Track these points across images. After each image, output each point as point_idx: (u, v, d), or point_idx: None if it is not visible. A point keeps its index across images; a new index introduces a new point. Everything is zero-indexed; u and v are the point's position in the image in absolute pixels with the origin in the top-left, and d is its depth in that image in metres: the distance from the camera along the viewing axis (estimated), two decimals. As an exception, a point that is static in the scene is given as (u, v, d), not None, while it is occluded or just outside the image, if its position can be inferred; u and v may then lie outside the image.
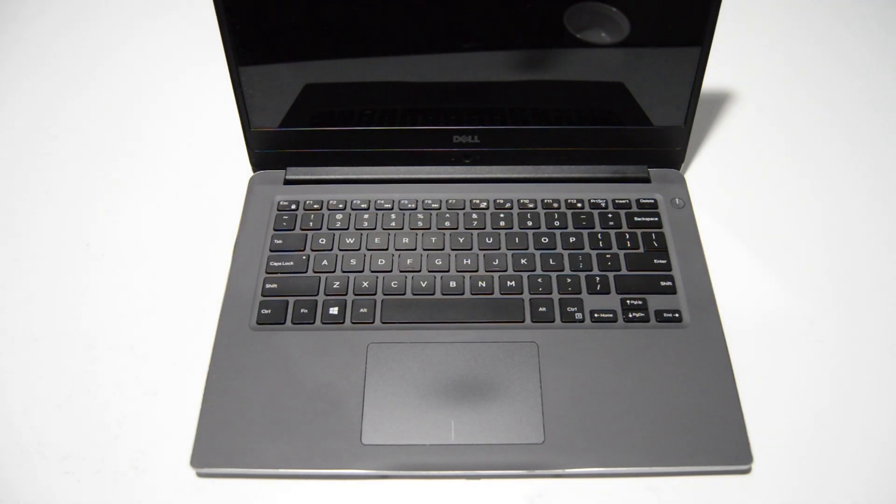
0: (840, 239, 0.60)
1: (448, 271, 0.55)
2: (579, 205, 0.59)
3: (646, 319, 0.52)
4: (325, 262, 0.55)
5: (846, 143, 0.68)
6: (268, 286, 0.54)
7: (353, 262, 0.55)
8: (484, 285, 0.54)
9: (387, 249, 0.56)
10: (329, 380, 0.49)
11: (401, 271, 0.55)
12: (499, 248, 0.56)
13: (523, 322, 0.52)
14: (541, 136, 0.60)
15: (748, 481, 0.47)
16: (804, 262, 0.58)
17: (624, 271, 0.55)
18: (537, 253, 0.56)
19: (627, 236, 0.57)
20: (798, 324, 0.54)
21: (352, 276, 0.55)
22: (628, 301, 0.53)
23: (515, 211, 0.59)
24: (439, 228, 0.58)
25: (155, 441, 0.48)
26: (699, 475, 0.47)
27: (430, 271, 0.55)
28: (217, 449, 0.46)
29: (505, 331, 0.52)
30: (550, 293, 0.54)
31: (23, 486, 0.46)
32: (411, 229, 0.58)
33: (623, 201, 0.59)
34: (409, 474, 0.46)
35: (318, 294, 0.54)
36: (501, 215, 0.58)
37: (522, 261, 0.55)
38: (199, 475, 0.47)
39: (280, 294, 0.54)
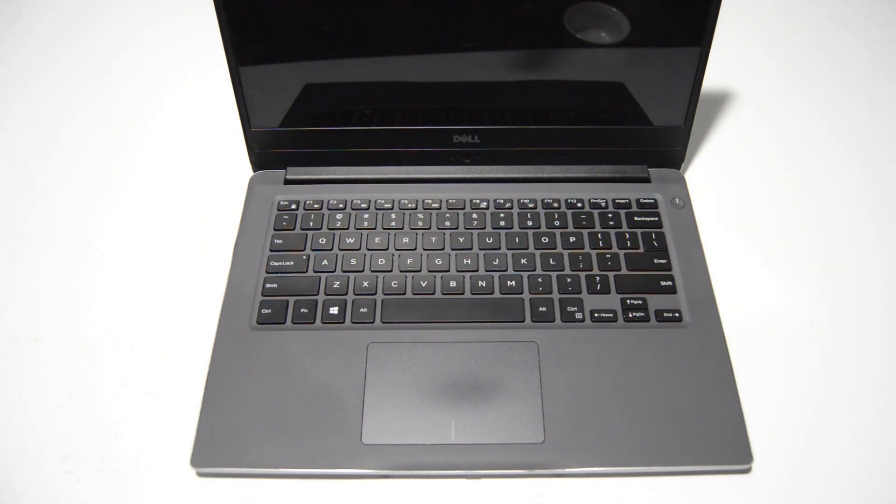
0: (840, 239, 0.60)
1: (448, 271, 0.55)
2: (579, 205, 0.59)
3: (646, 319, 0.52)
4: (325, 261, 0.55)
5: (846, 142, 0.68)
6: (268, 286, 0.54)
7: (353, 261, 0.55)
8: (484, 285, 0.54)
9: (387, 249, 0.56)
10: (329, 380, 0.49)
11: (401, 271, 0.55)
12: (499, 248, 0.56)
13: (523, 322, 0.52)
14: (541, 136, 0.60)
15: (748, 481, 0.47)
16: (804, 261, 0.58)
17: (624, 271, 0.55)
18: (537, 253, 0.56)
19: (627, 236, 0.57)
20: (798, 324, 0.54)
21: (352, 275, 0.55)
22: (628, 301, 0.53)
23: (515, 211, 0.59)
24: (439, 228, 0.58)
25: (155, 441, 0.48)
26: (699, 475, 0.47)
27: (430, 271, 0.55)
28: (217, 449, 0.46)
29: (505, 330, 0.52)
30: (550, 293, 0.54)
31: (23, 486, 0.46)
32: (411, 229, 0.58)
33: (623, 201, 0.59)
34: (409, 474, 0.46)
35: (318, 294, 0.54)
36: (501, 215, 0.58)
37: (522, 261, 0.55)
38: (199, 475, 0.47)
39: (280, 294, 0.54)
